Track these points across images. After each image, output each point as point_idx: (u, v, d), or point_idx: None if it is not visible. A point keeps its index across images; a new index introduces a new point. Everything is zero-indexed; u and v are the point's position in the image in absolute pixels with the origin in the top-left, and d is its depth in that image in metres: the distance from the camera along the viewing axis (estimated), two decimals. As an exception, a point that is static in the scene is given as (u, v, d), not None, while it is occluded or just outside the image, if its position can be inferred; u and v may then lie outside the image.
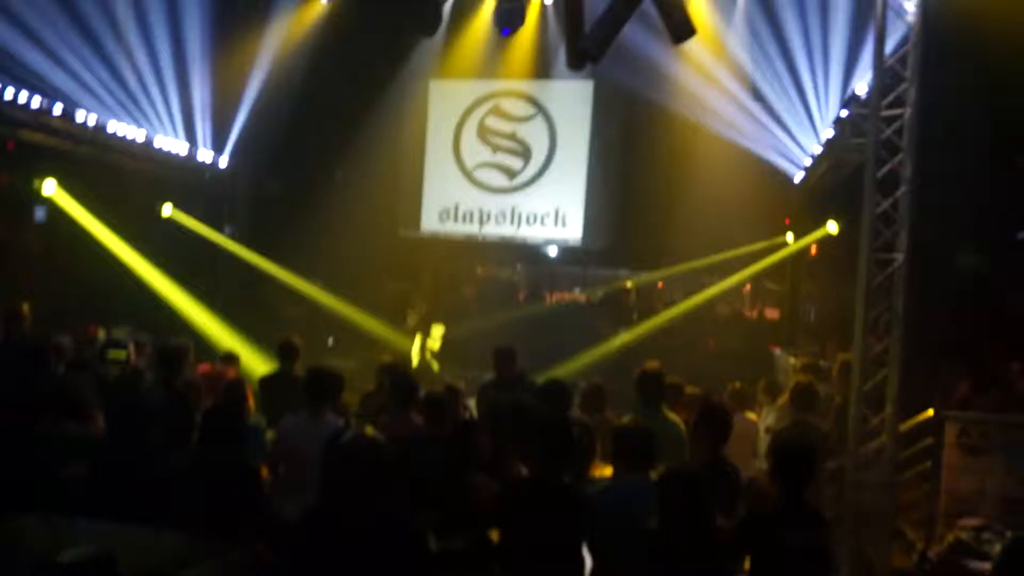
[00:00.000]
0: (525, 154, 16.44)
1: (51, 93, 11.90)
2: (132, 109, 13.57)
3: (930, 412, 7.68)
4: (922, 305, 7.45)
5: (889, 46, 7.29)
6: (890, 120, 7.27)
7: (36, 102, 11.55)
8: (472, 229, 16.56)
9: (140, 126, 13.56)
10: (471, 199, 16.59)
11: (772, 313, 16.25)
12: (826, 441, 7.07)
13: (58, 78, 12.11)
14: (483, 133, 16.66)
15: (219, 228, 15.49)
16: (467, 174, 16.68)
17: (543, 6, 15.49)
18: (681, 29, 3.72)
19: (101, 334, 8.67)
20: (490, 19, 15.59)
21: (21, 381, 5.91)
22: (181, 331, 9.86)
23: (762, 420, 7.94)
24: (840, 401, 7.67)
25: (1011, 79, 9.23)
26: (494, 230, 16.46)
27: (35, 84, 11.70)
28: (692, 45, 12.83)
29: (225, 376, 7.82)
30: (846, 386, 7.52)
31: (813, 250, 14.07)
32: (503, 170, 16.52)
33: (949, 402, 8.36)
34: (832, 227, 12.36)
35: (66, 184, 12.33)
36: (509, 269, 18.49)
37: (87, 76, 12.67)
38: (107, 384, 6.78)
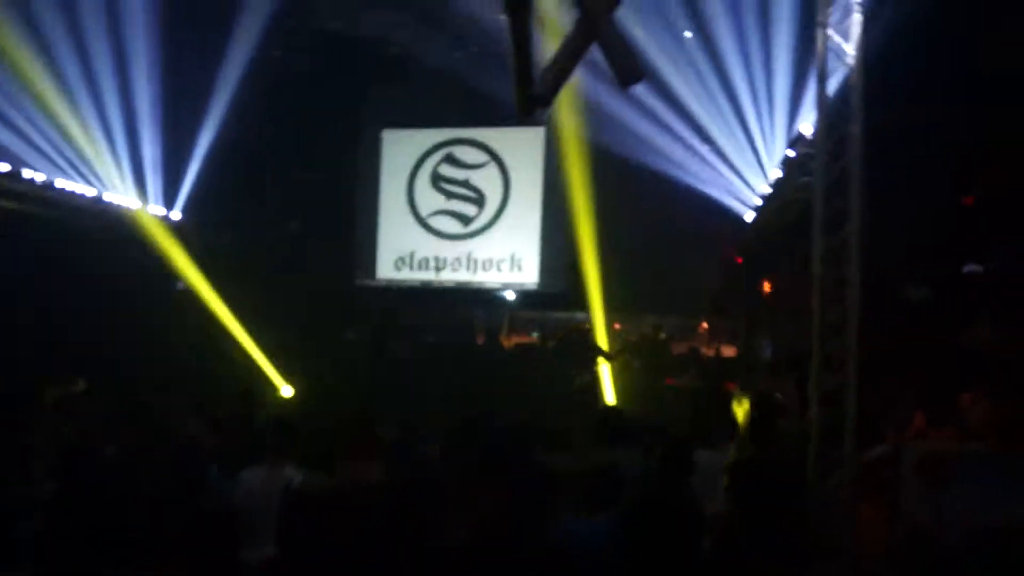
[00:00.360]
0: (479, 200, 16.54)
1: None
2: (80, 166, 13.45)
3: (887, 443, 7.76)
4: (874, 338, 7.55)
5: (832, 86, 7.48)
6: (836, 157, 7.43)
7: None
8: (428, 276, 16.59)
9: (89, 183, 13.45)
10: (427, 246, 16.63)
11: (728, 350, 16.39)
12: (785, 471, 7.11)
13: (4, 137, 12.00)
14: (437, 181, 16.76)
15: (172, 282, 15.31)
16: (422, 221, 16.73)
17: (495, 54, 15.68)
18: (629, 73, 3.78)
19: (52, 390, 8.50)
20: (441, 68, 15.75)
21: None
22: (137, 386, 9.68)
23: (721, 457, 7.95)
24: (798, 434, 7.73)
25: (953, 114, 9.49)
26: (450, 276, 16.50)
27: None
28: (640, 89, 13.17)
29: (184, 431, 7.68)
30: (804, 419, 7.58)
31: (767, 287, 14.26)
32: (458, 217, 16.60)
33: (904, 435, 8.46)
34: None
35: (14, 243, 12.15)
36: (466, 315, 18.45)
37: (34, 134, 12.56)
38: (62, 440, 6.62)
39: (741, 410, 10.51)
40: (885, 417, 7.69)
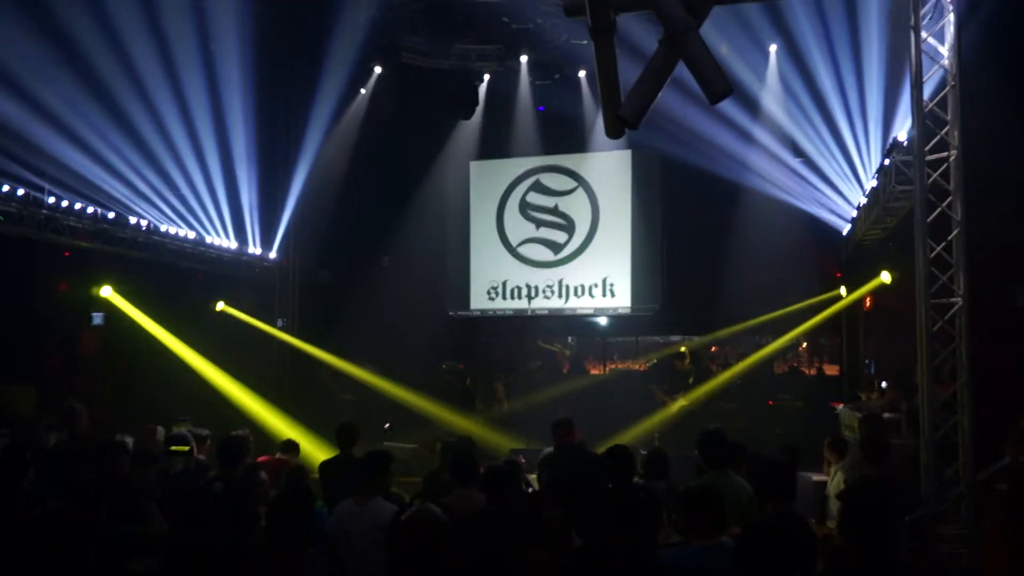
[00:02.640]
0: (568, 227, 16.53)
1: (105, 201, 12.31)
2: (183, 212, 13.97)
3: (1007, 459, 7.42)
4: (987, 347, 7.26)
5: (927, 91, 7.26)
6: (935, 164, 7.21)
7: (91, 210, 11.96)
8: (521, 304, 16.61)
9: (191, 228, 13.94)
10: (518, 275, 16.67)
11: (831, 369, 15.96)
12: (902, 493, 6.85)
13: (112, 186, 12.53)
14: (525, 209, 16.82)
15: (271, 320, 15.72)
16: (512, 251, 16.79)
17: (577, 79, 15.74)
18: (717, 90, 3.72)
19: (160, 432, 8.75)
20: (525, 97, 15.90)
21: (86, 478, 5.96)
22: (240, 424, 9.92)
23: (830, 481, 7.73)
24: (911, 452, 7.45)
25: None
26: (543, 304, 16.50)
27: (90, 193, 12.13)
28: (728, 106, 13.03)
29: (286, 465, 7.84)
30: (916, 436, 7.31)
31: (868, 302, 13.85)
32: (548, 244, 16.61)
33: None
34: (885, 277, 12.15)
35: (121, 287, 12.66)
36: (561, 341, 18.43)
37: (139, 183, 13.09)
38: (171, 478, 6.81)
39: (849, 429, 10.22)
40: (1002, 431, 7.36)
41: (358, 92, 15.85)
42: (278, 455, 8.45)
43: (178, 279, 13.83)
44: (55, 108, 11.27)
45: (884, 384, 11.33)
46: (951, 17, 7.14)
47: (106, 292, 12.60)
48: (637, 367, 16.58)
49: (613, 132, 4.27)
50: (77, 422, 8.05)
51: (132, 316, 12.82)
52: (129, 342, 12.86)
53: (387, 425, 13.13)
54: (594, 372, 17.23)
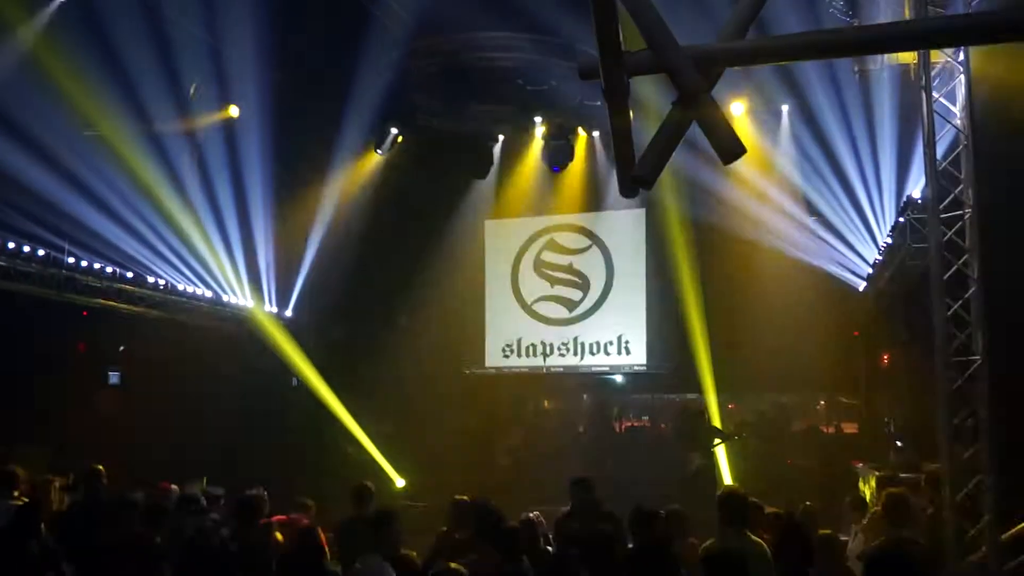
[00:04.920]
0: (583, 285, 16.57)
1: (124, 261, 12.44)
2: (200, 271, 14.09)
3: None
4: (1007, 407, 7.18)
5: (940, 149, 7.30)
6: (950, 222, 7.21)
7: (110, 269, 12.08)
8: (536, 362, 16.58)
9: (208, 287, 14.04)
10: (533, 332, 16.67)
11: (850, 427, 15.80)
12: (926, 556, 6.73)
13: (131, 245, 12.68)
14: (540, 267, 16.88)
15: (287, 379, 15.73)
16: (527, 308, 16.81)
17: (590, 140, 15.92)
18: (730, 149, 3.75)
19: (175, 489, 8.73)
20: (539, 157, 16.08)
21: (103, 538, 5.95)
22: (255, 482, 9.88)
23: (852, 541, 7.61)
24: (932, 512, 7.33)
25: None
26: (558, 362, 16.47)
27: (109, 253, 12.27)
28: (741, 165, 13.11)
29: (300, 524, 7.78)
30: (937, 496, 7.20)
31: (885, 359, 13.76)
32: (563, 302, 16.64)
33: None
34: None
35: (138, 345, 12.73)
36: (576, 399, 18.35)
37: (158, 243, 13.24)
38: (185, 537, 6.77)
39: (868, 489, 10.09)
40: (1025, 491, 7.24)
41: (375, 152, 16.05)
42: (293, 515, 8.40)
43: (194, 338, 13.89)
44: (76, 169, 11.46)
45: (899, 443, 11.22)
46: (962, 78, 7.20)
47: (122, 351, 12.68)
48: (653, 425, 16.46)
49: (627, 191, 4.31)
50: (96, 483, 8.03)
51: (148, 375, 12.88)
52: (146, 401, 12.89)
53: (401, 484, 13.06)
54: (610, 429, 17.10)
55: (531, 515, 7.28)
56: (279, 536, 7.00)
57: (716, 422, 14.38)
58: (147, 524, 6.66)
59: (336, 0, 12.02)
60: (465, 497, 7.49)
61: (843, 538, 7.68)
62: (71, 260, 11.56)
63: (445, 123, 15.50)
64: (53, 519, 7.28)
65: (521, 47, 13.58)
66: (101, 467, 8.29)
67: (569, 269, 16.73)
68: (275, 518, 8.02)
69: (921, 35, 3.97)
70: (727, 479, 13.33)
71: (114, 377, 13.66)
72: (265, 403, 15.03)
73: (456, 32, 13.51)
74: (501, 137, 16.18)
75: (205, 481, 9.56)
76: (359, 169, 16.09)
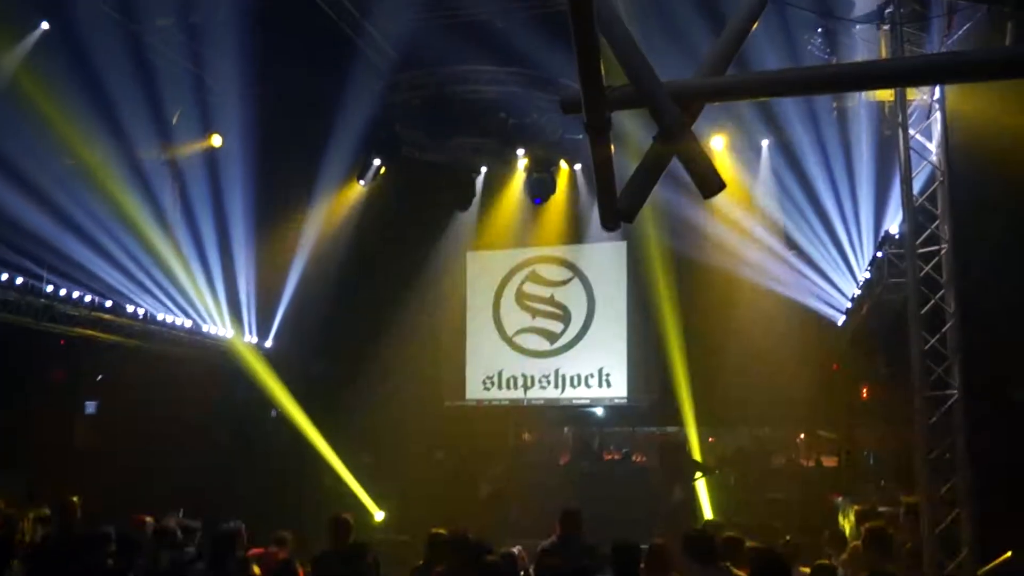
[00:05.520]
0: (565, 317, 16.58)
1: (103, 289, 12.36)
2: (180, 301, 14.01)
3: (1008, 553, 7.31)
4: (984, 439, 7.24)
5: (917, 185, 7.40)
6: (927, 257, 7.30)
7: (88, 298, 12.00)
8: (517, 395, 16.54)
9: (188, 316, 13.96)
10: (514, 365, 16.64)
11: (829, 461, 15.82)
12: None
13: (110, 274, 12.60)
14: (521, 299, 16.89)
15: (266, 410, 15.61)
16: (508, 340, 16.80)
17: (572, 173, 16.01)
18: (710, 184, 3.81)
19: (150, 522, 8.63)
20: (521, 189, 16.16)
21: (76, 571, 5.87)
22: (232, 515, 9.78)
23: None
24: (911, 547, 7.34)
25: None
26: (539, 394, 16.44)
27: (88, 282, 12.19)
28: (721, 199, 13.21)
29: (277, 557, 7.70)
30: (915, 530, 7.22)
31: (864, 393, 13.82)
32: (544, 334, 16.64)
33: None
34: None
35: (116, 375, 12.62)
36: (556, 432, 18.29)
37: (138, 271, 13.17)
38: (160, 570, 6.70)
39: (848, 523, 10.09)
40: (1005, 525, 7.28)
41: (357, 183, 16.08)
42: (271, 548, 8.31)
43: (172, 367, 13.78)
44: (55, 197, 11.41)
45: (883, 483, 11.25)
46: (938, 115, 7.32)
47: (99, 380, 12.57)
48: (634, 458, 16.43)
49: (609, 225, 4.34)
50: (69, 515, 7.94)
51: (125, 405, 12.76)
52: (123, 431, 12.76)
53: (381, 515, 12.94)
54: (591, 461, 17.04)
55: (513, 550, 7.24)
56: (256, 570, 6.91)
57: (697, 455, 14.38)
58: (121, 557, 6.58)
59: (321, 31, 12.07)
60: (442, 530, 7.44)
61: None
62: (49, 289, 11.47)
63: (428, 155, 15.55)
64: (26, 552, 7.18)
65: (504, 80, 13.68)
66: (75, 499, 8.20)
67: (551, 301, 16.75)
68: (252, 551, 7.95)
69: (898, 74, 4.05)
70: (708, 513, 13.31)
71: (91, 407, 13.51)
72: (244, 434, 14.91)
73: (439, 65, 13.60)
74: (483, 169, 16.25)
75: (181, 513, 9.44)
76: (342, 199, 16.09)
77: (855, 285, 12.54)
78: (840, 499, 12.04)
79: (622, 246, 16.23)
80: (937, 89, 7.34)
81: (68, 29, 10.93)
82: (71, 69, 10.92)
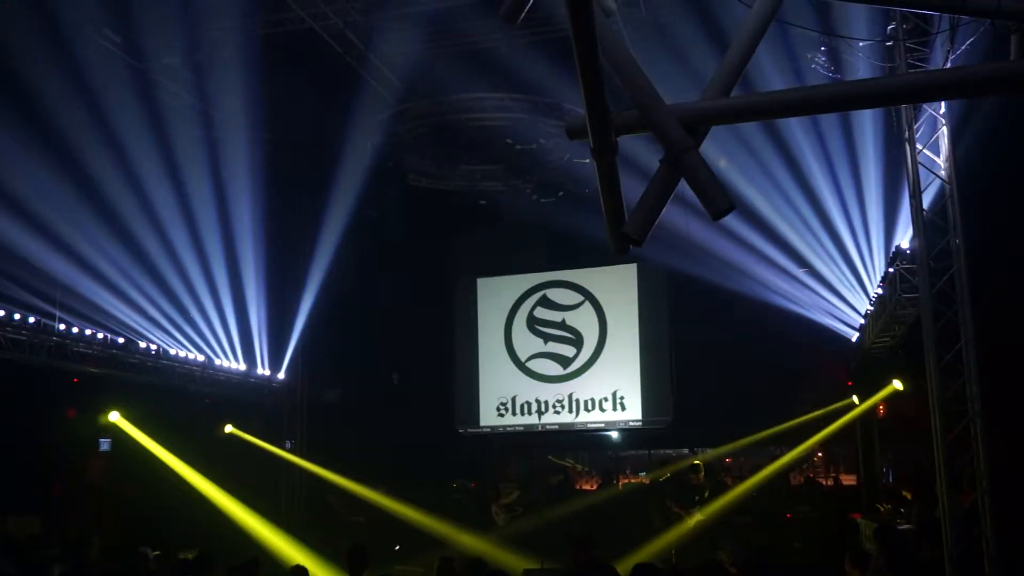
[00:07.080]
0: (577, 341, 16.55)
1: (115, 326, 12.39)
2: (192, 336, 14.03)
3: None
4: (1005, 453, 7.15)
5: (926, 200, 7.38)
6: (939, 272, 7.26)
7: (101, 336, 12.02)
8: (531, 420, 16.49)
9: (200, 351, 13.98)
10: (528, 390, 16.61)
11: (848, 479, 15.69)
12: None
13: (122, 311, 12.63)
14: (533, 324, 16.88)
15: (280, 442, 15.59)
16: (521, 366, 16.77)
17: (579, 197, 15.97)
18: (718, 205, 3.79)
19: (160, 556, 8.61)
20: (529, 215, 16.14)
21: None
22: (248, 549, 9.74)
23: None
24: (931, 562, 7.26)
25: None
26: (553, 419, 16.38)
27: (100, 319, 12.21)
28: (731, 219, 13.17)
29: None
30: (935, 547, 7.14)
31: (882, 410, 13.71)
32: (557, 359, 16.60)
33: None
34: (897, 385, 12.06)
35: (129, 412, 12.62)
36: (572, 457, 18.20)
37: (150, 307, 13.19)
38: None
39: (868, 542, 9.98)
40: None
41: (366, 213, 16.11)
42: (287, 582, 8.26)
43: (187, 403, 13.77)
44: (67, 236, 11.45)
45: (909, 497, 11.12)
46: (944, 130, 7.30)
47: (114, 417, 12.56)
48: (650, 481, 16.30)
49: (618, 250, 4.32)
50: (87, 552, 7.94)
51: (140, 441, 12.74)
52: (137, 468, 12.74)
53: (396, 547, 12.87)
54: (607, 486, 16.92)
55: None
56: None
57: (713, 476, 14.24)
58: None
59: (327, 64, 12.16)
60: (453, 556, 7.40)
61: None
62: (62, 327, 11.50)
63: (435, 183, 15.59)
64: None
65: (509, 107, 13.72)
66: (94, 537, 8.19)
67: (562, 325, 16.73)
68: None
69: (903, 90, 4.04)
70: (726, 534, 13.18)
71: (104, 444, 13.49)
72: (259, 468, 14.87)
73: (444, 94, 13.65)
74: (491, 196, 16.27)
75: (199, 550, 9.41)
76: (351, 229, 16.12)
77: (867, 301, 12.46)
78: (861, 519, 11.92)
79: (632, 268, 16.22)
80: (943, 104, 7.33)
81: (75, 68, 10.98)
82: (78, 104, 10.98)
